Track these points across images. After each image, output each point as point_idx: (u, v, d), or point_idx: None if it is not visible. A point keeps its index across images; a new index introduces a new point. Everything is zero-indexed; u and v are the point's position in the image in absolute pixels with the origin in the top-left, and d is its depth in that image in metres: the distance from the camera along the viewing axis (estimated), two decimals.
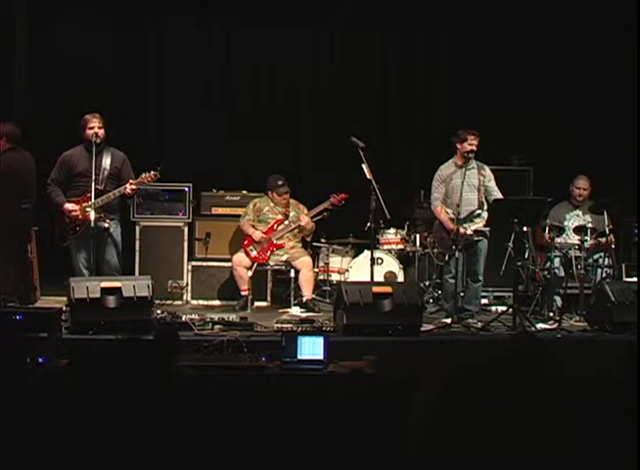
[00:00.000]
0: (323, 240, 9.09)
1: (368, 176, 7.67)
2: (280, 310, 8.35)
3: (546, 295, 8.17)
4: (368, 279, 7.77)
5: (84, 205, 7.46)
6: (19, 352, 2.64)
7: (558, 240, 8.10)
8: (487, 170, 7.89)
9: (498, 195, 7.78)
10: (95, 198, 7.34)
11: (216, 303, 8.89)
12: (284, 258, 8.64)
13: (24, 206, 7.82)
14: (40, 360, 5.33)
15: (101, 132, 7.49)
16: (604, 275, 8.04)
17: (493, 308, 8.41)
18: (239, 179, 9.38)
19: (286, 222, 8.72)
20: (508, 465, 1.11)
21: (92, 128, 7.47)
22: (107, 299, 6.71)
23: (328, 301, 8.57)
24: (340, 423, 4.02)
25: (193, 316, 7.06)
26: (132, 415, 1.65)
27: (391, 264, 8.84)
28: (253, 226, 8.72)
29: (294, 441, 3.85)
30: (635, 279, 7.95)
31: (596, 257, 8.11)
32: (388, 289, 7.05)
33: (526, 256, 8.43)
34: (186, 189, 9.05)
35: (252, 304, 8.48)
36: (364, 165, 7.68)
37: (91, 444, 1.64)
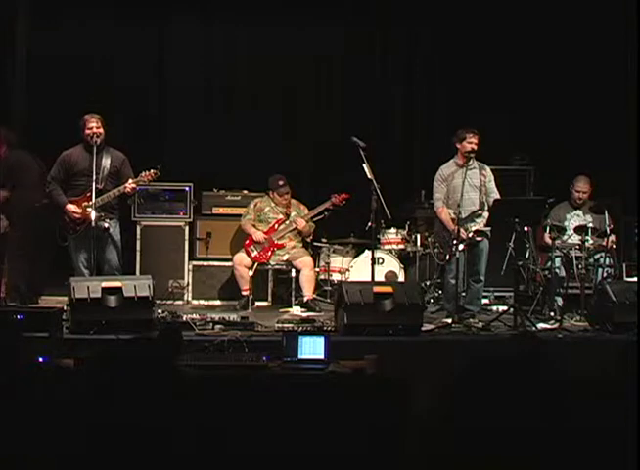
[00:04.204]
0: (324, 240, 9.09)
1: (369, 176, 7.67)
2: (281, 310, 8.36)
3: (547, 295, 8.17)
4: (369, 279, 7.77)
5: (84, 204, 7.47)
6: (17, 351, 2.64)
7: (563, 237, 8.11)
8: (488, 171, 7.89)
9: (497, 195, 7.79)
10: (95, 197, 7.35)
11: (217, 302, 8.90)
12: (285, 257, 8.64)
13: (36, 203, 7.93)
14: (41, 360, 5.34)
15: (100, 132, 7.50)
16: (605, 275, 8.04)
17: (494, 308, 8.40)
18: (240, 179, 9.38)
19: (287, 222, 8.72)
20: (508, 465, 1.11)
21: (91, 129, 7.49)
22: (107, 298, 6.72)
23: (329, 300, 8.58)
24: (340, 423, 4.01)
25: (194, 316, 7.07)
26: (135, 414, 1.65)
27: (392, 264, 8.84)
28: (254, 226, 8.72)
29: (294, 440, 3.85)
30: (636, 279, 7.95)
31: (597, 256, 8.10)
32: (389, 289, 7.05)
33: (527, 255, 8.43)
34: (187, 189, 9.06)
35: (253, 303, 8.49)
36: (365, 165, 7.69)
37: (94, 442, 1.64)
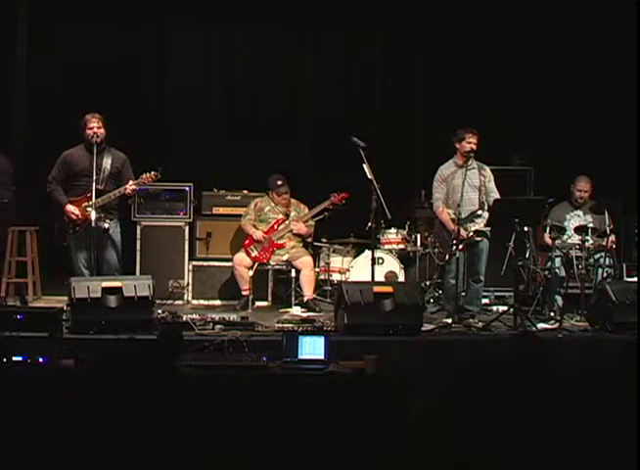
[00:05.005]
0: (324, 240, 9.09)
1: (369, 176, 7.67)
2: (281, 310, 8.36)
3: (547, 295, 8.17)
4: (369, 279, 7.77)
5: (84, 205, 7.47)
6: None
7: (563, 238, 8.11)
8: (488, 171, 7.89)
9: (496, 195, 7.78)
10: (95, 198, 7.35)
11: (217, 302, 8.90)
12: (285, 257, 8.64)
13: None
14: (41, 360, 5.35)
15: (100, 132, 7.50)
16: (605, 275, 8.04)
17: (494, 308, 8.40)
18: (240, 179, 9.38)
19: (287, 222, 8.72)
20: (507, 465, 1.11)
21: (91, 128, 7.49)
22: (108, 298, 6.72)
23: (329, 300, 8.58)
24: (340, 423, 4.01)
25: (194, 316, 7.07)
26: (134, 415, 1.65)
27: (392, 264, 8.84)
28: (254, 226, 8.72)
29: (294, 441, 3.85)
30: (636, 279, 7.95)
31: (597, 256, 8.10)
32: (389, 289, 7.05)
33: (527, 255, 8.43)
34: (187, 189, 9.06)
35: (253, 303, 8.49)
36: (365, 165, 7.69)
37: (94, 443, 1.64)
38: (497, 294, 8.97)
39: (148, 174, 7.56)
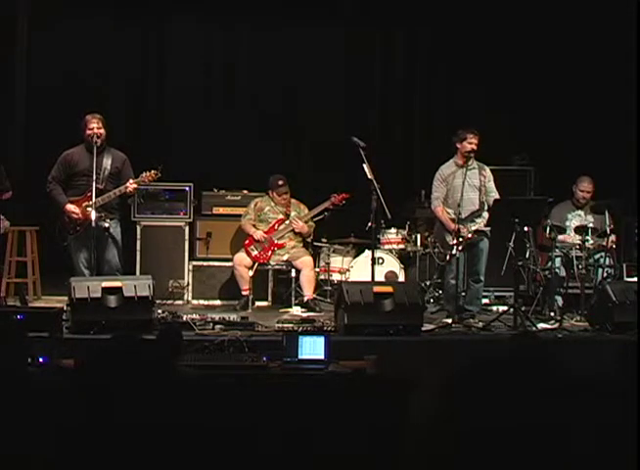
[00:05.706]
0: (324, 240, 9.09)
1: (369, 176, 7.66)
2: (281, 310, 8.36)
3: (547, 294, 8.16)
4: (369, 279, 7.77)
5: (85, 204, 7.47)
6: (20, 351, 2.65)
7: (560, 237, 8.10)
8: (488, 171, 7.89)
9: (496, 195, 7.78)
10: (95, 197, 7.35)
11: (217, 302, 8.89)
12: (285, 257, 8.64)
13: None
14: (41, 360, 5.34)
15: (100, 133, 7.49)
16: (605, 275, 8.03)
17: (494, 308, 8.40)
18: (240, 179, 9.38)
19: (287, 222, 8.72)
20: (507, 465, 1.11)
21: (92, 129, 7.48)
22: (108, 298, 6.72)
23: (329, 300, 8.58)
24: (340, 423, 4.01)
25: (194, 316, 7.07)
26: (134, 415, 1.65)
27: (392, 264, 8.84)
28: (254, 226, 8.72)
29: (294, 441, 3.84)
30: (636, 279, 7.94)
31: (597, 256, 8.10)
32: (389, 289, 7.04)
33: (527, 255, 8.43)
34: (187, 189, 9.06)
35: (253, 303, 8.49)
36: (365, 165, 7.68)
37: (93, 443, 1.64)
38: (497, 294, 8.96)
39: (148, 173, 7.57)
